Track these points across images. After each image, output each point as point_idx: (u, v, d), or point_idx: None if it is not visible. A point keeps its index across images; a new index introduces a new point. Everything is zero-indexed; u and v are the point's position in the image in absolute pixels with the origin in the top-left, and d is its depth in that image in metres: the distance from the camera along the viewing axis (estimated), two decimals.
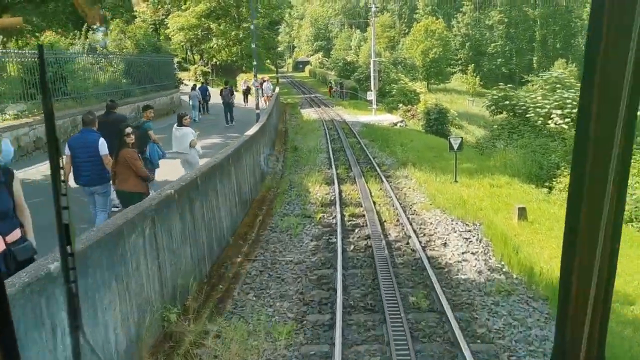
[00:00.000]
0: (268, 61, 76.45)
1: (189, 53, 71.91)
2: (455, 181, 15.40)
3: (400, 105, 42.62)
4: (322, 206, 12.52)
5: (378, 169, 16.46)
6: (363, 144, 22.18)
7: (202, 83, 35.82)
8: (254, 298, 7.54)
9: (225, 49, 52.04)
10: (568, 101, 22.72)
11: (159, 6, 61.13)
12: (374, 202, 12.63)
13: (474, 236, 10.08)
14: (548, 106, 23.32)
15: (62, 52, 24.32)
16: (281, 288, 7.86)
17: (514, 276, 8.18)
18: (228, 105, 26.46)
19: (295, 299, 7.48)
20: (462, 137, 15.69)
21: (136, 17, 58.83)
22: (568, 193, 0.81)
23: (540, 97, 24.77)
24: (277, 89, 40.16)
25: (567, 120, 22.01)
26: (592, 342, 0.84)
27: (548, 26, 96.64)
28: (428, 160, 18.91)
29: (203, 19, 50.54)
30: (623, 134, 0.75)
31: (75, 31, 39.50)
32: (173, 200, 6.83)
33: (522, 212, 11.90)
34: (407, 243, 9.72)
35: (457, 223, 10.93)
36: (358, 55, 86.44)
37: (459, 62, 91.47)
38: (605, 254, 0.80)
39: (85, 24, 38.37)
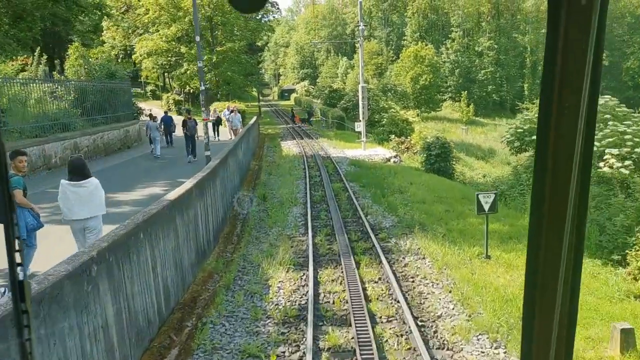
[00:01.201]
0: (252, 89, 72.22)
1: (166, 80, 67.43)
2: (487, 257, 10.43)
3: (392, 136, 37.87)
4: (283, 324, 7.39)
5: (374, 238, 11.38)
6: (351, 191, 17.16)
7: (166, 112, 30.89)
8: None
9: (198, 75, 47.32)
10: (627, 137, 17.45)
11: (130, 30, 56.69)
12: (372, 316, 7.54)
13: None
14: (597, 144, 18.10)
15: None
16: None
17: None
18: (192, 139, 21.53)
19: None
20: (495, 193, 10.73)
21: (105, 43, 54.37)
22: (529, 225, 0.81)
23: None
24: (254, 119, 35.30)
25: (627, 162, 16.75)
26: None
27: (538, 52, 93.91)
28: (439, 217, 13.94)
29: (173, 43, 45.83)
30: (581, 167, 0.77)
31: (25, 55, 34.71)
32: None
33: (628, 337, 6.91)
34: None
35: None
36: (345, 83, 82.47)
37: (449, 89, 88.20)
38: (566, 286, 0.82)
39: (39, 48, 33.69)
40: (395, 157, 29.66)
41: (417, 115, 59.91)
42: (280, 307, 7.93)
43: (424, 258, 10.22)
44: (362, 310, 7.59)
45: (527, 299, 0.83)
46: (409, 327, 7.03)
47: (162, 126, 27.56)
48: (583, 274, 6.98)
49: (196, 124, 22.52)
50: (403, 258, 10.24)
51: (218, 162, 13.31)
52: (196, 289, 8.90)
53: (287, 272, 9.49)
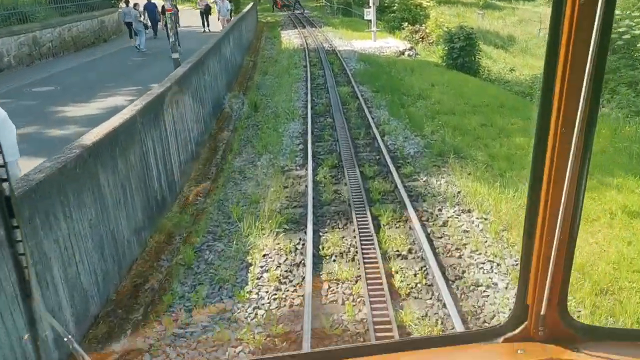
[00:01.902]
0: None
1: None
2: None
3: (405, 24, 33.55)
4: (263, 354, 4.65)
5: (396, 176, 8.36)
6: (362, 98, 13.91)
7: None
8: None
9: None
10: None
11: None
12: (406, 335, 4.78)
13: None
14: None
15: None
16: None
17: None
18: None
19: None
20: None
21: None
22: (531, 166, 0.81)
23: None
24: (250, 5, 31.01)
25: None
26: (553, 298, 0.83)
27: None
28: (476, 136, 10.84)
29: None
30: (588, 106, 0.77)
31: None
32: None
33: None
34: None
35: None
36: None
37: None
38: (567, 213, 0.79)
39: None
40: (410, 49, 25.88)
41: None
42: (260, 314, 5.13)
43: (469, 211, 7.26)
44: (390, 326, 4.79)
45: (528, 216, 0.81)
46: None
47: (146, 15, 23.93)
48: None
49: (178, 11, 18.89)
50: (440, 211, 7.29)
51: (188, 68, 10.03)
52: (142, 269, 6.10)
53: (276, 237, 6.63)
